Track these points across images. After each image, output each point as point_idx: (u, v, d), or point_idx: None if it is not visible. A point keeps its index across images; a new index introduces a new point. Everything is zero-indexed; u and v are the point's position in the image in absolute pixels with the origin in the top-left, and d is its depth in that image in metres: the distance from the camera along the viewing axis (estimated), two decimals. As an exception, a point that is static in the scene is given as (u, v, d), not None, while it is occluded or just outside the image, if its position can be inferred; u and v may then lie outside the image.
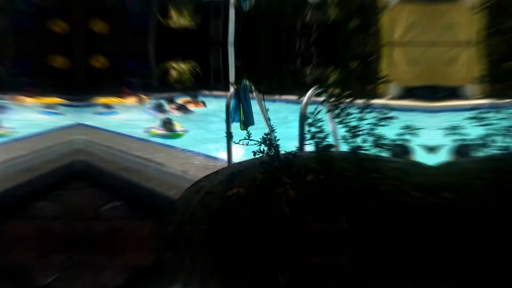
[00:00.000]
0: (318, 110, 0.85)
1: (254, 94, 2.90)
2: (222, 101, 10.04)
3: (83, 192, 2.77)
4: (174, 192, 2.59)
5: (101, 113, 7.02)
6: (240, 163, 1.20)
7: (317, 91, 2.18)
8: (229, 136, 2.85)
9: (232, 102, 2.67)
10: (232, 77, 11.33)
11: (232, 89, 2.64)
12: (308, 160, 1.06)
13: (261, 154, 0.91)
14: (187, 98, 9.34)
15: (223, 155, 3.64)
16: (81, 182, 3.00)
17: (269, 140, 0.85)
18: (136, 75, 13.27)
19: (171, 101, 8.21)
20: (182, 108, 7.75)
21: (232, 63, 11.27)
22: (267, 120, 3.02)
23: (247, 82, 2.88)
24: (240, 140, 0.92)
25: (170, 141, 4.66)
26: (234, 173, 1.13)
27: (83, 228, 2.12)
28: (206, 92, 12.21)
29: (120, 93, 10.02)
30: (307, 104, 2.08)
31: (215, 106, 9.42)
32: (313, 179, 0.92)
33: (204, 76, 12.95)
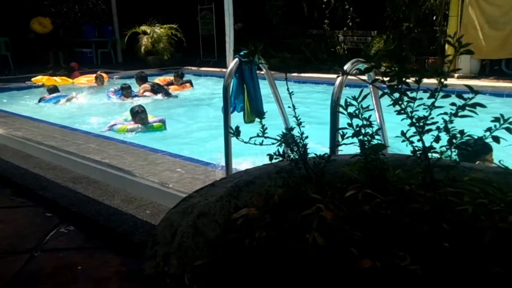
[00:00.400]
0: (364, 94, 0.84)
1: (264, 71, 2.90)
2: (215, 81, 10.29)
3: (17, 212, 2.81)
4: (149, 212, 2.61)
5: (43, 100, 7.06)
6: (247, 172, 1.19)
7: (357, 65, 2.17)
8: (229, 131, 2.86)
9: (232, 83, 2.66)
10: (230, 47, 11.41)
11: (232, 64, 2.63)
12: (346, 167, 1.05)
13: (279, 158, 0.90)
14: (167, 77, 9.38)
15: (218, 160, 3.66)
16: (13, 197, 3.04)
17: (292, 138, 0.84)
18: (91, 44, 13.47)
19: (141, 80, 8.20)
20: (159, 90, 7.73)
21: (230, 26, 11.34)
22: (283, 109, 3.03)
23: (254, 54, 2.89)
24: (251, 138, 0.90)
25: (142, 139, 4.68)
26: (239, 185, 1.12)
27: (18, 265, 2.14)
28: (192, 68, 12.34)
29: (68, 70, 10.18)
30: (341, 85, 2.07)
31: (204, 88, 9.51)
32: (356, 195, 0.91)
33: (189, 45, 13.09)
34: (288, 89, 0.97)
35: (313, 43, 10.63)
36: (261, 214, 0.82)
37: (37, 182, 3.16)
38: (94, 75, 9.16)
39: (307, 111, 6.14)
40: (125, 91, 7.07)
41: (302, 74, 9.68)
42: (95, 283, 2.00)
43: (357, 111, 0.90)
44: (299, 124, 0.89)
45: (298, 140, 0.84)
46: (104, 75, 9.34)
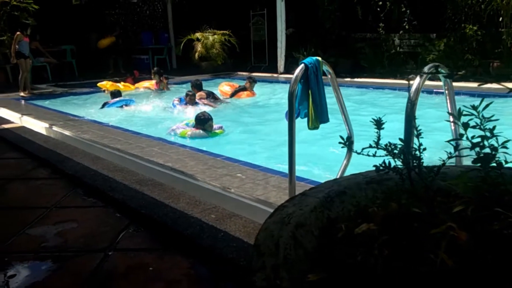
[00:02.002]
0: (487, 103, 0.77)
1: (330, 77, 2.85)
2: (267, 87, 10.22)
3: (89, 212, 2.95)
4: (214, 217, 2.64)
5: (107, 104, 7.37)
6: (336, 182, 1.16)
7: (433, 70, 2.06)
8: (294, 137, 2.84)
9: (297, 89, 2.63)
10: (281, 52, 11.41)
11: (298, 70, 2.61)
12: (453, 180, 0.98)
13: (383, 169, 0.86)
14: (233, 83, 9.47)
15: (278, 165, 3.64)
16: (85, 197, 3.20)
17: (404, 150, 0.79)
18: (148, 51, 14.02)
19: (197, 87, 8.39)
20: (214, 98, 7.87)
21: (282, 31, 11.36)
22: (346, 116, 2.96)
23: (318, 59, 2.85)
24: (363, 149, 0.87)
25: (203, 144, 4.76)
26: (330, 196, 1.09)
27: (94, 263, 2.24)
28: (243, 74, 12.47)
29: (125, 76, 10.66)
30: (418, 90, 1.98)
31: (258, 92, 9.50)
32: (465, 211, 0.84)
33: (240, 51, 13.26)
34: (409, 97, 0.92)
35: (367, 47, 10.38)
36: (381, 230, 0.78)
37: (106, 183, 3.31)
38: (155, 80, 9.49)
39: (367, 117, 5.96)
40: (189, 98, 7.21)
41: (356, 79, 9.47)
42: (167, 285, 2.04)
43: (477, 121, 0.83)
44: (418, 135, 0.84)
45: (413, 152, 0.79)
46: (164, 81, 9.69)
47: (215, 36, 12.50)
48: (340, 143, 0.91)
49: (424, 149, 0.83)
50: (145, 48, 14.11)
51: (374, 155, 0.85)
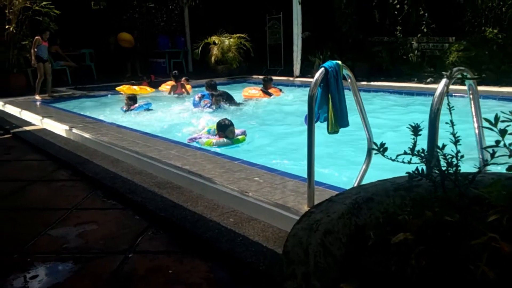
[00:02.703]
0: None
1: (350, 81, 2.83)
2: (284, 90, 10.06)
3: (109, 214, 2.97)
4: (232, 220, 2.64)
5: (132, 109, 7.42)
6: (363, 188, 1.14)
7: (458, 74, 2.02)
8: (313, 141, 2.82)
9: (317, 93, 2.62)
10: (297, 55, 11.40)
11: (318, 73, 2.59)
12: (486, 188, 0.95)
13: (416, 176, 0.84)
14: (254, 86, 9.46)
15: (295, 168, 3.62)
16: (104, 198, 3.24)
17: (437, 157, 0.77)
18: (165, 55, 14.16)
19: (211, 88, 8.41)
20: (229, 98, 7.85)
21: (298, 35, 11.34)
22: (366, 121, 2.92)
23: (339, 63, 2.83)
24: (398, 156, 0.85)
25: (219, 148, 4.77)
26: (358, 202, 1.07)
27: (114, 265, 2.25)
28: (259, 77, 12.48)
29: (142, 79, 10.77)
30: (442, 95, 1.94)
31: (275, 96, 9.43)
32: (500, 221, 0.82)
33: (255, 55, 13.29)
34: (448, 104, 0.90)
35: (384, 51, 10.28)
36: (417, 240, 0.76)
37: (125, 185, 3.34)
38: (173, 83, 9.55)
39: (384, 121, 5.89)
40: (215, 98, 7.15)
41: (372, 83, 9.38)
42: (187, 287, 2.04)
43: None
44: (456, 142, 0.82)
45: (444, 158, 0.77)
46: (186, 84, 9.78)
47: (231, 39, 12.56)
48: (373, 149, 0.90)
49: (462, 156, 0.81)
50: (162, 52, 14.26)
51: (409, 162, 0.83)
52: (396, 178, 1.18)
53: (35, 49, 8.35)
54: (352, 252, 0.94)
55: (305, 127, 6.51)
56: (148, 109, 7.43)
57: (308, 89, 9.10)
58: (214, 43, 12.64)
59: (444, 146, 0.82)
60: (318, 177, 2.94)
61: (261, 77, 12.41)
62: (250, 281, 2.08)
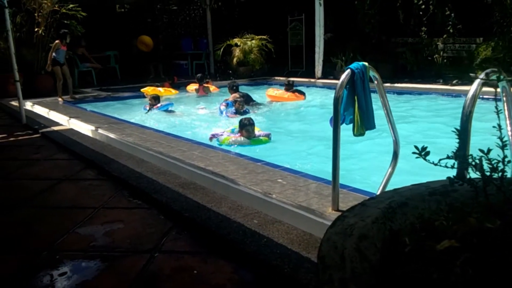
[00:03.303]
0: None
1: (376, 83, 2.78)
2: (306, 92, 9.98)
3: (135, 213, 3.02)
4: (256, 222, 2.63)
5: (154, 108, 7.53)
6: (397, 192, 1.11)
7: (493, 75, 1.96)
8: (338, 143, 2.78)
9: (343, 94, 2.58)
10: (319, 57, 11.31)
11: (344, 75, 2.56)
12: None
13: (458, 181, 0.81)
14: (276, 88, 9.46)
15: (319, 172, 3.59)
16: (130, 198, 3.28)
17: (479, 161, 0.75)
18: (187, 57, 14.31)
19: (233, 89, 8.45)
20: (248, 100, 7.86)
21: (321, 36, 11.25)
22: (392, 123, 2.87)
23: (365, 65, 2.79)
24: (441, 160, 0.83)
25: (242, 150, 4.78)
26: (392, 207, 1.05)
27: (140, 264, 2.28)
28: (280, 79, 12.47)
29: (164, 80, 10.91)
30: (475, 98, 1.88)
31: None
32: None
33: (276, 56, 13.27)
34: (496, 107, 0.87)
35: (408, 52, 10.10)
36: (463, 247, 0.73)
37: (150, 185, 3.38)
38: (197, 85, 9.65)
39: (410, 124, 5.78)
40: (238, 104, 7.14)
41: (396, 85, 9.22)
42: (212, 289, 2.05)
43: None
44: (503, 146, 0.79)
45: (489, 163, 0.75)
46: (211, 85, 9.87)
47: (253, 41, 12.58)
48: (414, 153, 0.87)
49: (509, 161, 0.78)
50: (185, 54, 14.42)
51: (452, 167, 0.81)
52: (431, 182, 1.15)
53: (54, 53, 8.37)
54: (387, 258, 0.92)
55: (327, 129, 6.43)
56: (169, 110, 7.51)
57: (330, 90, 9.16)
58: (236, 45, 12.70)
59: (489, 150, 0.79)
60: (342, 180, 2.90)
61: (282, 78, 12.40)
62: (275, 283, 2.07)
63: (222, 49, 12.83)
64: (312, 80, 11.35)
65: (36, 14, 9.68)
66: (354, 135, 2.73)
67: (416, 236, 0.96)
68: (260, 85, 11.74)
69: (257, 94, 8.97)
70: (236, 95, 8.14)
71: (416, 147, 0.86)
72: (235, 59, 12.64)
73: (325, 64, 11.49)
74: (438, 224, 0.95)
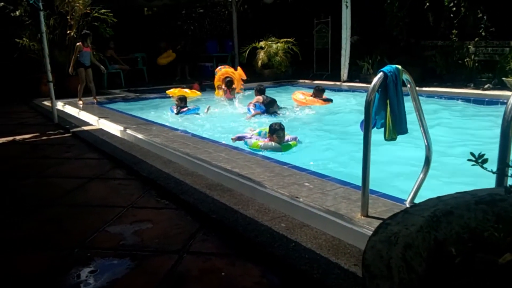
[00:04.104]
0: None
1: (409, 86, 2.72)
2: (333, 96, 9.84)
3: (163, 213, 3.04)
4: (284, 226, 2.61)
5: (182, 112, 7.59)
6: (441, 200, 1.07)
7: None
8: (369, 147, 2.73)
9: (375, 98, 2.53)
10: (345, 60, 11.18)
11: (376, 78, 2.51)
12: None
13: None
14: (304, 91, 9.42)
15: (346, 176, 3.53)
16: (158, 198, 3.32)
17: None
18: (213, 59, 14.44)
19: (259, 92, 8.44)
20: (271, 103, 7.82)
21: (347, 39, 11.13)
22: (425, 127, 2.79)
23: (398, 68, 2.73)
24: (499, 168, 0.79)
25: (269, 153, 4.76)
26: (437, 215, 1.01)
27: (169, 264, 2.29)
28: (306, 81, 12.40)
29: (191, 82, 11.03)
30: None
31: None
32: None
33: (302, 59, 13.20)
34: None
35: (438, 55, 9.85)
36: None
37: (178, 186, 3.41)
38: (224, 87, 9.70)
39: (440, 128, 5.62)
40: (271, 105, 7.11)
41: (425, 88, 9.01)
42: (240, 292, 2.04)
43: None
44: None
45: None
46: (237, 85, 9.89)
47: (278, 44, 12.57)
48: (469, 160, 0.84)
49: None
50: (210, 56, 14.55)
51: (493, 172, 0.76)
52: (477, 190, 1.10)
53: (77, 55, 8.19)
54: (434, 269, 0.89)
55: (353, 132, 6.35)
56: (197, 113, 7.57)
57: (355, 94, 9.02)
58: (261, 48, 12.71)
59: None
60: (371, 185, 2.84)
61: (307, 81, 12.33)
62: (304, 289, 2.04)
63: (247, 52, 12.86)
64: (338, 83, 11.23)
65: (68, 17, 9.97)
66: (386, 139, 2.67)
67: (464, 247, 0.92)
68: (284, 87, 11.71)
69: (281, 97, 8.93)
70: (260, 98, 8.15)
71: (472, 154, 0.82)
72: (259, 62, 12.65)
73: (351, 67, 11.36)
74: (488, 235, 0.91)
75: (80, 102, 8.52)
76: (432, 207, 1.03)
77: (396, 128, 2.61)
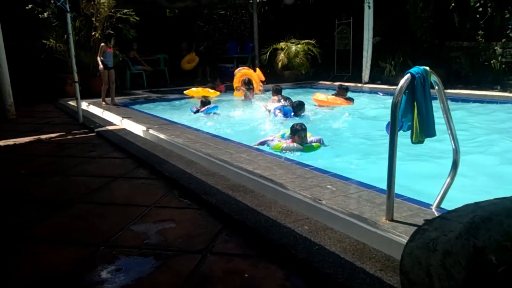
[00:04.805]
0: None
1: (437, 88, 2.66)
2: (355, 97, 9.72)
3: (185, 213, 3.06)
4: (307, 228, 2.58)
5: (201, 111, 7.64)
6: (479, 206, 1.04)
7: None
8: (395, 150, 2.68)
9: (402, 100, 2.48)
10: (367, 61, 11.05)
11: (403, 80, 2.46)
12: None
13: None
14: (323, 93, 9.36)
15: (369, 179, 3.48)
16: (181, 198, 3.34)
17: None
18: (233, 60, 14.50)
19: (276, 92, 8.43)
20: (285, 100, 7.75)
21: (369, 40, 10.99)
22: (453, 131, 2.72)
23: (426, 69, 2.67)
24: None
25: (291, 154, 4.74)
26: (475, 222, 0.98)
27: (192, 264, 2.30)
28: (326, 83, 12.31)
29: (212, 83, 11.10)
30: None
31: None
32: None
33: (322, 60, 13.10)
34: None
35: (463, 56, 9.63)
36: None
37: (200, 186, 3.42)
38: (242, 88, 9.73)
39: (466, 131, 5.49)
40: (299, 107, 7.07)
41: (449, 90, 8.81)
42: (264, 294, 2.03)
43: None
44: None
45: None
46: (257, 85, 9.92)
47: (299, 45, 12.52)
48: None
49: None
50: (230, 57, 14.61)
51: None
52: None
53: (102, 57, 8.17)
54: (474, 277, 0.86)
55: (375, 135, 6.24)
56: (215, 113, 7.60)
57: (378, 96, 8.87)
58: (282, 49, 12.69)
59: None
60: (396, 188, 2.79)
61: (327, 83, 12.24)
62: (329, 293, 2.02)
63: (268, 53, 12.87)
64: (359, 84, 11.11)
65: (93, 19, 10.18)
66: (413, 142, 2.61)
67: (506, 255, 0.89)
68: (304, 88, 11.66)
69: (301, 99, 8.88)
70: (275, 97, 8.16)
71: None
72: (280, 63, 12.64)
73: (373, 68, 11.22)
74: (531, 244, 0.87)
75: (104, 103, 8.62)
76: (470, 213, 1.00)
77: (424, 130, 2.55)
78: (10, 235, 2.74)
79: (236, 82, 9.73)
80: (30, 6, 9.89)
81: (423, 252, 0.82)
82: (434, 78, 2.57)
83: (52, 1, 9.60)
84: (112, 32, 8.77)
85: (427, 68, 2.55)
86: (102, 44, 8.36)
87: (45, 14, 10.00)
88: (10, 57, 7.50)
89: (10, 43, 7.90)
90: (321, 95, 8.61)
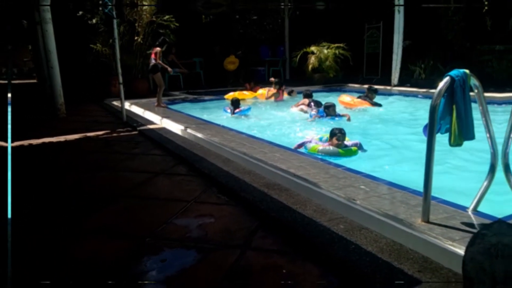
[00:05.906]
0: None
1: (476, 91, 2.54)
2: (383, 100, 9.45)
3: (224, 209, 3.07)
4: (343, 227, 2.53)
5: (237, 112, 7.69)
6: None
7: None
8: (432, 153, 2.58)
9: (440, 103, 2.39)
10: (396, 64, 10.75)
11: (442, 83, 2.37)
12: None
13: None
14: (351, 96, 9.23)
15: (402, 180, 3.37)
16: (219, 194, 3.36)
17: None
18: (265, 63, 14.49)
19: (306, 96, 8.38)
20: (316, 106, 7.71)
21: (399, 43, 10.69)
22: (492, 134, 2.59)
23: (466, 72, 2.55)
24: None
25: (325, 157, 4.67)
26: (536, 228, 0.91)
27: (232, 258, 2.30)
28: (355, 86, 12.08)
29: (244, 86, 11.14)
30: None
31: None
32: None
33: (353, 63, 12.86)
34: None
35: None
36: None
37: (237, 184, 3.43)
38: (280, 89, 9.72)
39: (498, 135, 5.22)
40: (330, 110, 7.06)
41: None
42: (302, 290, 2.00)
43: None
44: None
45: None
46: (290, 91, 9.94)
47: (329, 49, 12.36)
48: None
49: None
50: (262, 60, 14.62)
51: None
52: None
53: (160, 61, 8.28)
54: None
55: (407, 138, 6.05)
56: (248, 115, 7.62)
57: (407, 98, 8.60)
58: (312, 53, 12.57)
59: None
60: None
61: (356, 85, 12.00)
62: (366, 292, 1.97)
63: (298, 56, 12.78)
64: (388, 87, 10.83)
65: (136, 24, 10.43)
66: (451, 145, 2.51)
67: None
68: (334, 91, 11.49)
69: (330, 101, 8.77)
70: (305, 100, 8.15)
71: None
72: (310, 66, 12.52)
73: (401, 71, 10.91)
74: None
75: (161, 106, 8.38)
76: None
77: (463, 133, 2.44)
78: (64, 228, 2.83)
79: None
80: (80, 13, 10.25)
81: (486, 258, 0.77)
82: (474, 81, 2.46)
83: (100, 8, 9.90)
84: (166, 38, 8.91)
85: (467, 71, 2.44)
86: (158, 49, 8.39)
87: (94, 21, 10.33)
88: (61, 61, 7.80)
89: (62, 47, 8.21)
90: (346, 97, 8.46)
